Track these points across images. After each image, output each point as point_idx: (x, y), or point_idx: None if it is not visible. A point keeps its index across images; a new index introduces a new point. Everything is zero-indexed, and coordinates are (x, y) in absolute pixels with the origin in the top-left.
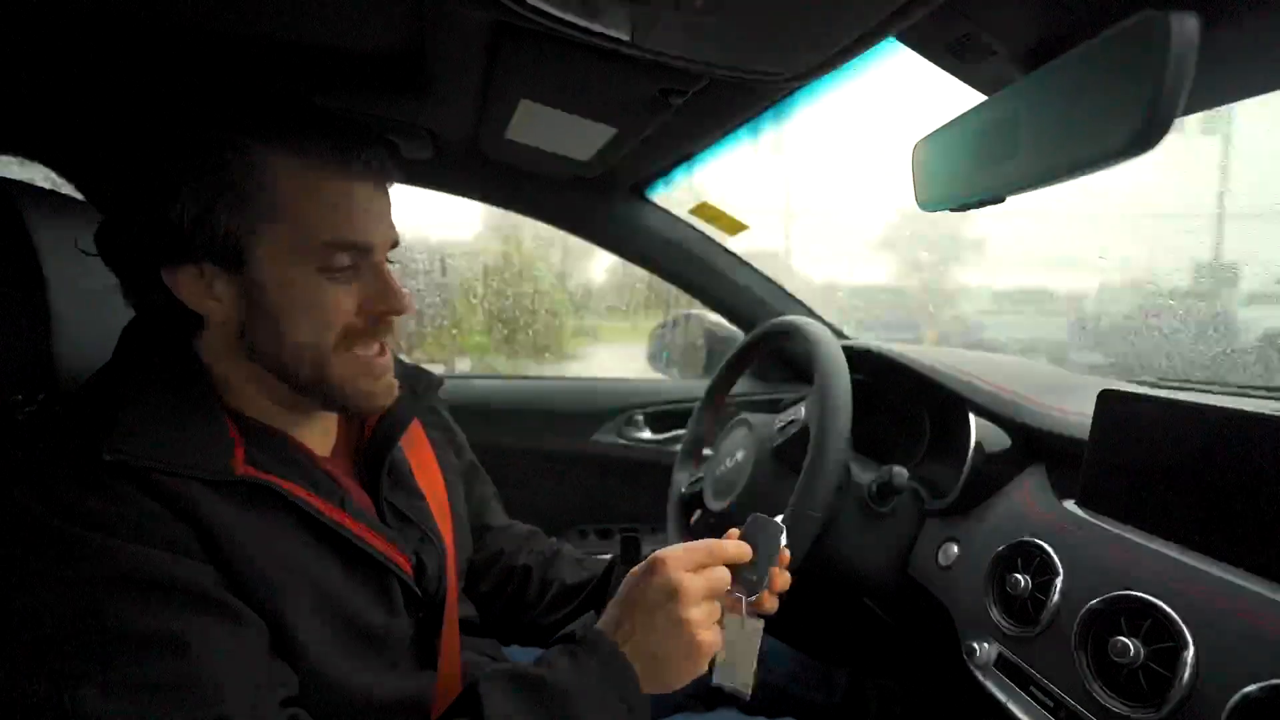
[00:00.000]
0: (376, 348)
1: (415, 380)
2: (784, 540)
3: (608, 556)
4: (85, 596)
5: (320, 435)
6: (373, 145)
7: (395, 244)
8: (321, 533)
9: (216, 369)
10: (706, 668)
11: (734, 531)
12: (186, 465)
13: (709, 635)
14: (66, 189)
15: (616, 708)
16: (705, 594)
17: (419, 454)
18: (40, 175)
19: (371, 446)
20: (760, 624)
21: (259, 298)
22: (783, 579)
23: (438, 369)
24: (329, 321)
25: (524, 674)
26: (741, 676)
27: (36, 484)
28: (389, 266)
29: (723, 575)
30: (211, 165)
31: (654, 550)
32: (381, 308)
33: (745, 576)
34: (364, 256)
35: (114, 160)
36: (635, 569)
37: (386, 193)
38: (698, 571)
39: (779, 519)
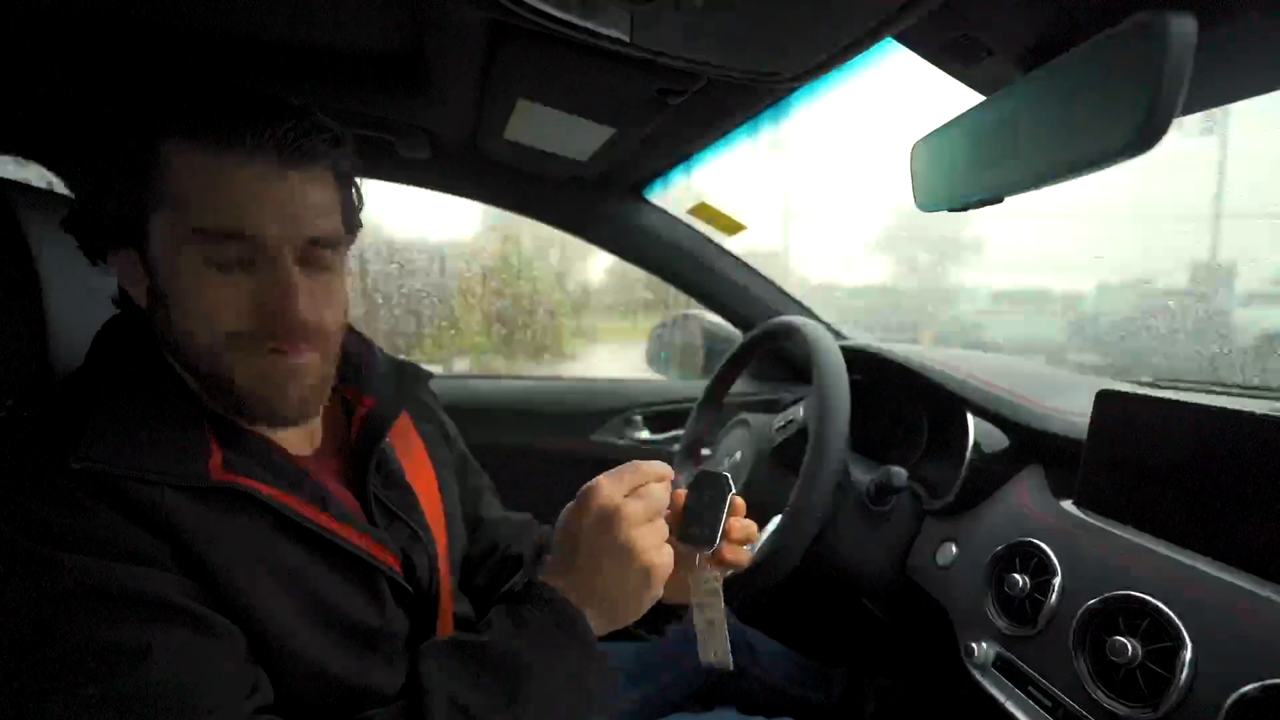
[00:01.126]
0: (278, 352)
1: (402, 374)
2: (733, 490)
3: None
4: (47, 613)
5: (303, 435)
6: (274, 123)
7: (323, 239)
8: (303, 535)
9: (180, 365)
10: (660, 591)
11: (680, 492)
12: (158, 471)
13: (659, 556)
14: (62, 188)
15: (570, 658)
16: (645, 515)
17: (409, 449)
18: (35, 175)
19: (358, 444)
20: (719, 581)
21: (156, 284)
22: (740, 527)
23: (436, 369)
24: (213, 316)
25: (464, 642)
26: (715, 645)
27: (2, 500)
28: (323, 265)
29: (658, 492)
30: (123, 152)
31: None
32: (272, 307)
33: (693, 532)
34: (259, 250)
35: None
36: (568, 506)
37: (307, 177)
38: (632, 495)
39: (776, 518)
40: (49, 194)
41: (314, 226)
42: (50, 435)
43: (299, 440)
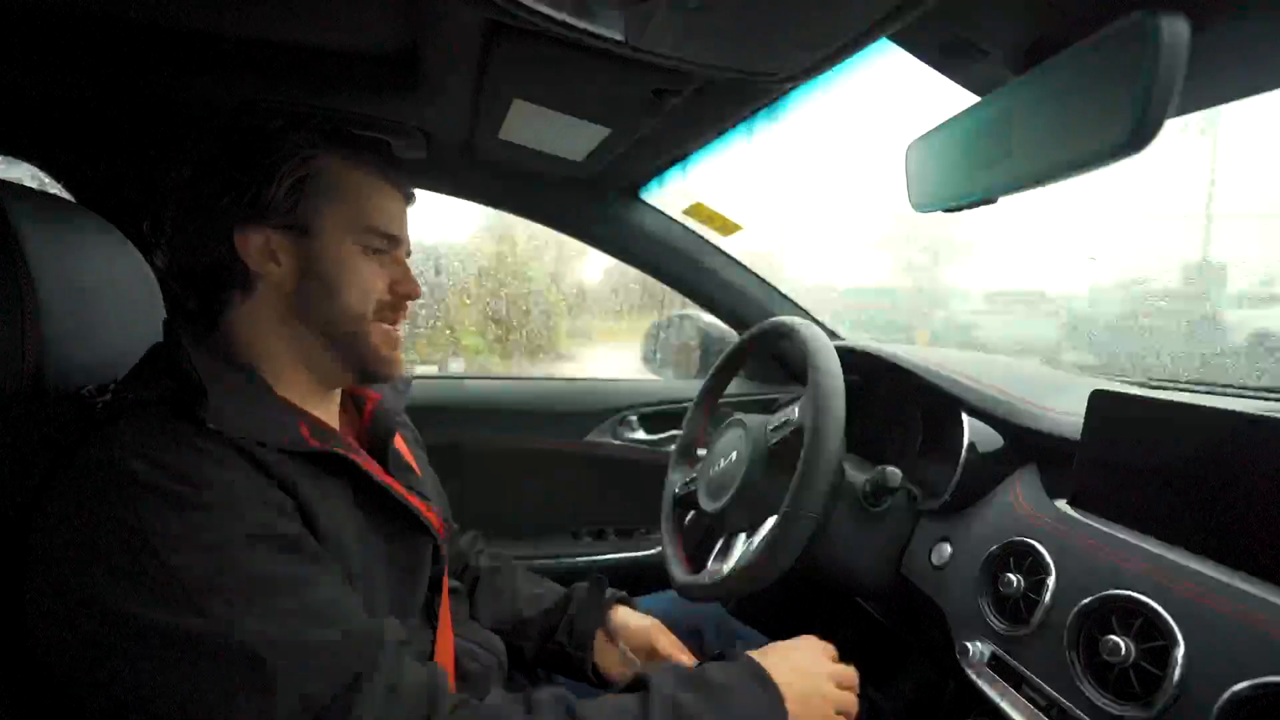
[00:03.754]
0: (397, 324)
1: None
2: None
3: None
4: (224, 551)
5: (332, 419)
6: (401, 168)
7: (409, 252)
8: (375, 498)
9: (257, 345)
10: None
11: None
12: (270, 436)
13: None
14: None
15: (762, 703)
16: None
17: (400, 445)
18: (28, 175)
19: (373, 430)
20: None
21: (318, 263)
22: None
23: (431, 369)
24: (369, 290)
25: (682, 668)
26: None
27: (147, 457)
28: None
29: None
30: (302, 160)
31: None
32: (401, 289)
33: None
34: (394, 246)
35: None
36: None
37: (407, 209)
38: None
39: (771, 519)
40: (40, 193)
41: (409, 241)
42: (178, 404)
43: (331, 422)
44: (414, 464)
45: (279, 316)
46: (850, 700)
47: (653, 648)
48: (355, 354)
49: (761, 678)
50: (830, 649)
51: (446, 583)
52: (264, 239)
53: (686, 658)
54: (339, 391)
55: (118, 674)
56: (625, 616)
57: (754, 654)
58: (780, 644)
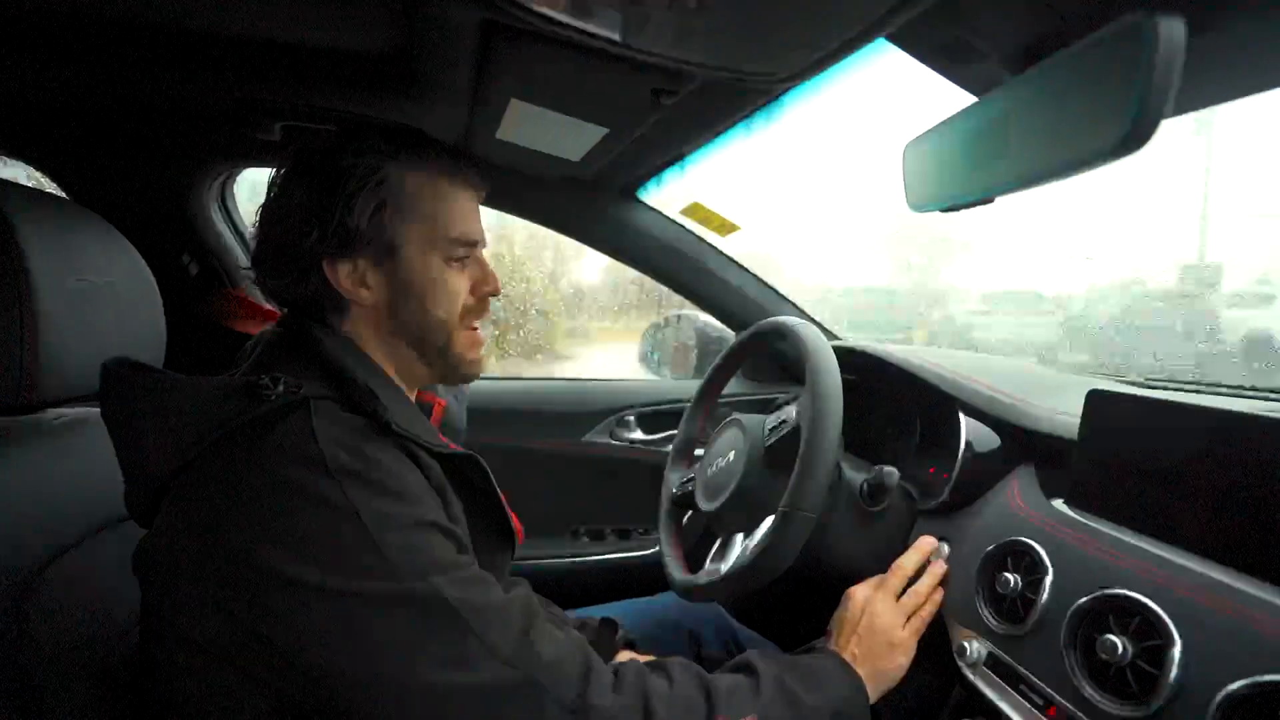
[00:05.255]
0: (475, 328)
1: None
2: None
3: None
4: (420, 534)
5: None
6: (472, 165)
7: (485, 244)
8: (482, 504)
9: (366, 351)
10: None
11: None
12: (425, 440)
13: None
14: (53, 188)
15: (845, 689)
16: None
17: None
18: (23, 174)
19: (444, 434)
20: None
21: (407, 282)
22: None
23: None
24: (456, 299)
25: (778, 654)
26: None
27: (347, 447)
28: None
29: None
30: (377, 182)
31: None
32: (485, 289)
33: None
34: (473, 249)
35: (283, 180)
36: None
37: (478, 201)
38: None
39: (769, 519)
40: (37, 192)
41: (484, 234)
42: (353, 405)
43: None
44: None
45: (374, 332)
46: (921, 621)
47: None
48: (444, 360)
49: (842, 660)
50: (903, 574)
51: None
52: (352, 267)
53: None
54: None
55: (337, 646)
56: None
57: (833, 641)
58: (847, 617)
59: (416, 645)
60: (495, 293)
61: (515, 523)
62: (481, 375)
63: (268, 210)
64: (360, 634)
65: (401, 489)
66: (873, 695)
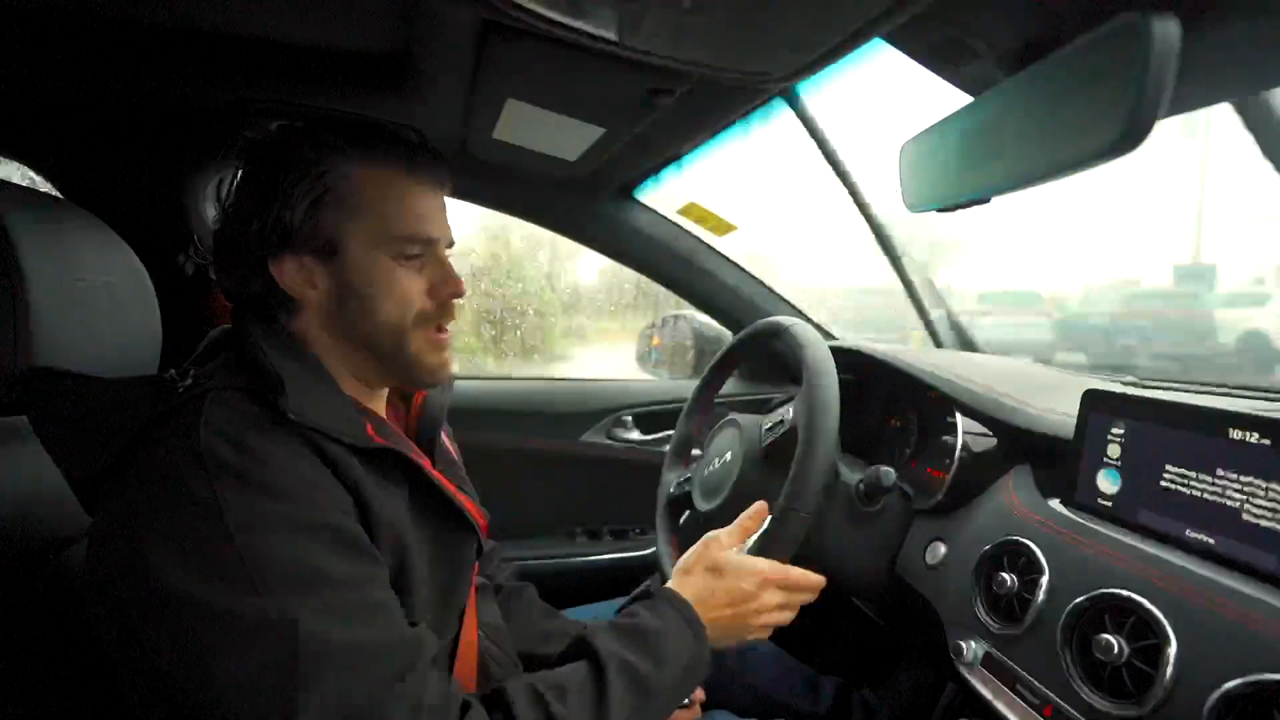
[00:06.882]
0: (442, 328)
1: None
2: None
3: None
4: (292, 539)
5: (382, 414)
6: (433, 157)
7: (451, 242)
8: (429, 495)
9: (314, 347)
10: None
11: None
12: (339, 431)
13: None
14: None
15: (691, 645)
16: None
17: (445, 440)
18: (16, 173)
19: (422, 426)
20: None
21: (350, 282)
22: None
23: None
24: (406, 301)
25: (621, 624)
26: None
27: (230, 438)
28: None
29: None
30: (315, 176)
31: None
32: (445, 292)
33: None
34: (429, 248)
35: (229, 172)
36: (697, 551)
37: (443, 197)
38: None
39: (766, 519)
40: (31, 191)
41: (450, 232)
42: (257, 394)
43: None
44: (458, 460)
45: (326, 332)
46: (776, 620)
47: None
48: (399, 364)
49: (688, 618)
50: (785, 577)
51: (475, 579)
52: (297, 265)
53: None
54: (387, 388)
55: (169, 651)
56: None
57: (675, 582)
58: (693, 558)
59: (257, 676)
60: (457, 295)
61: (472, 510)
62: (479, 376)
63: (222, 206)
64: (196, 648)
65: (286, 486)
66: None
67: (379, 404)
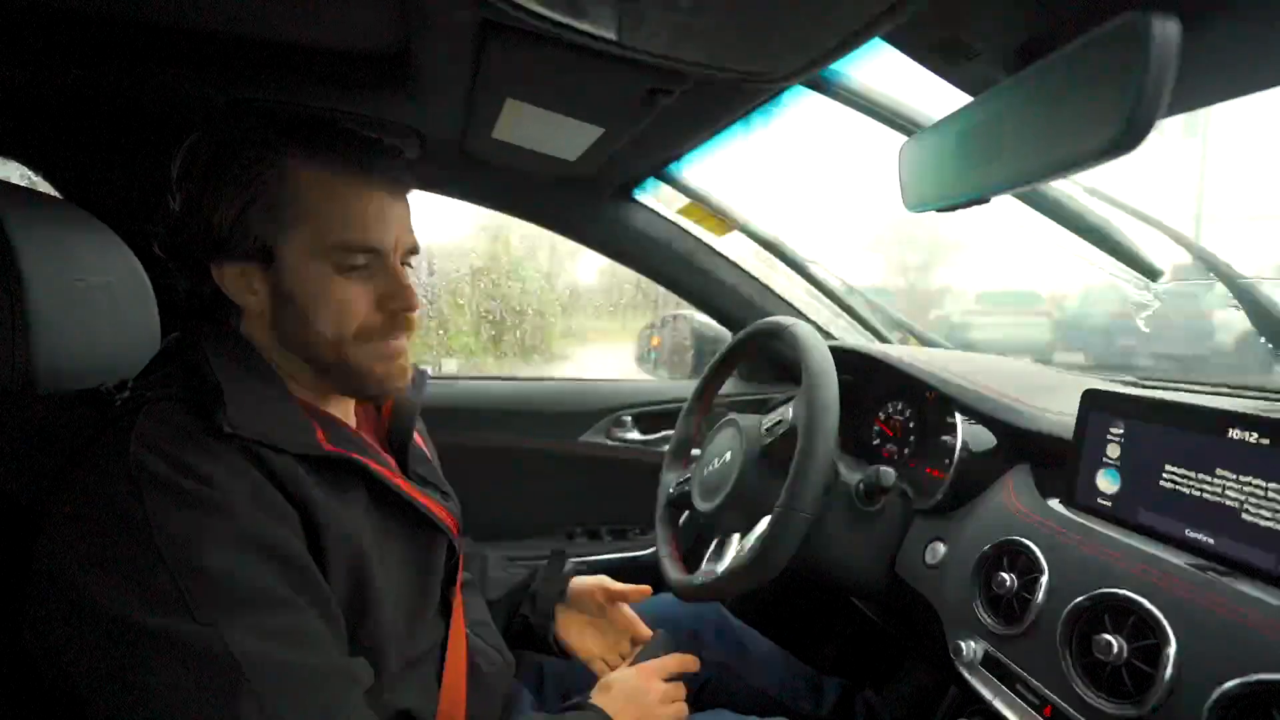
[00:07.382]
0: (393, 342)
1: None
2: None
3: (598, 558)
4: (224, 557)
5: (349, 417)
6: (387, 158)
7: (414, 249)
8: (388, 501)
9: (265, 352)
10: None
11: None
12: (285, 441)
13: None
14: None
15: None
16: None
17: (418, 440)
18: (16, 174)
19: (394, 426)
20: None
21: (287, 292)
22: None
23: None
24: (346, 315)
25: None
26: None
27: (162, 452)
28: (406, 269)
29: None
30: (246, 176)
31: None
32: (393, 305)
33: None
34: (378, 258)
35: (174, 171)
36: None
37: (403, 201)
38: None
39: (765, 519)
40: (30, 191)
41: (411, 238)
42: (196, 404)
43: (347, 421)
44: (431, 455)
45: (270, 341)
46: (677, 710)
47: (606, 596)
48: (342, 377)
49: None
50: (664, 668)
51: (460, 578)
52: (238, 270)
53: (636, 596)
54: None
55: (102, 672)
56: (578, 581)
57: (597, 695)
58: (618, 678)
59: (185, 697)
60: (408, 309)
61: (439, 511)
62: (471, 377)
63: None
64: (128, 672)
65: (219, 502)
66: None
67: (343, 406)
